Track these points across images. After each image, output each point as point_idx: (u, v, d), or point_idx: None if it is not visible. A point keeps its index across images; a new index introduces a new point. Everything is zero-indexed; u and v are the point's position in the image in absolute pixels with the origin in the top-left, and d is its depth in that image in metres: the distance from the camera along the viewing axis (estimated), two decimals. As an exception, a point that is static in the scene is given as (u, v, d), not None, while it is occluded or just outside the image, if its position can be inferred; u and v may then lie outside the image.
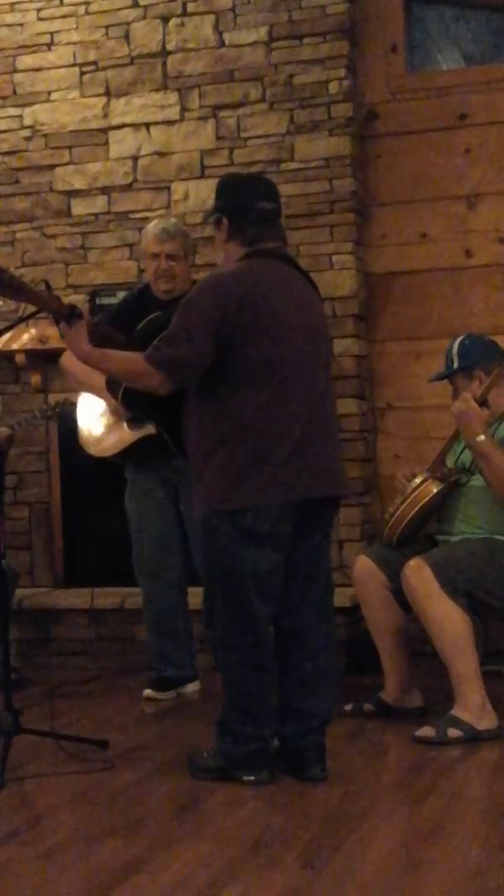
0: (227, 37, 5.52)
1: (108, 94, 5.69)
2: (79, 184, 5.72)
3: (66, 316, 3.52)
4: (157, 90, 5.63)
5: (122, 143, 5.67)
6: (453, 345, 4.21)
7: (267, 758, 3.47)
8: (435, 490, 4.11)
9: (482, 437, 3.95)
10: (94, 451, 4.72)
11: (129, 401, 3.82)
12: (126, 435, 4.56)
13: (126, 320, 4.16)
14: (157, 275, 4.53)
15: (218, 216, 3.61)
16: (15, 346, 5.52)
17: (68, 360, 4.35)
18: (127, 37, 5.66)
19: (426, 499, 4.10)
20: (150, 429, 4.39)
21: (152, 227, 4.60)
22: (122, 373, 3.56)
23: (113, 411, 4.54)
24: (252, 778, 3.43)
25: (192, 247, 4.68)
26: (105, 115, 5.69)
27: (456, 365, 4.17)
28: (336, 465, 3.59)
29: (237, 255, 3.55)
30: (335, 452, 3.61)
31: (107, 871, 2.79)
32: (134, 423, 4.50)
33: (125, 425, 4.55)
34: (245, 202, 3.57)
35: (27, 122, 5.80)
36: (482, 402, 4.01)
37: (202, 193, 5.46)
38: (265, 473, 3.38)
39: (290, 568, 3.50)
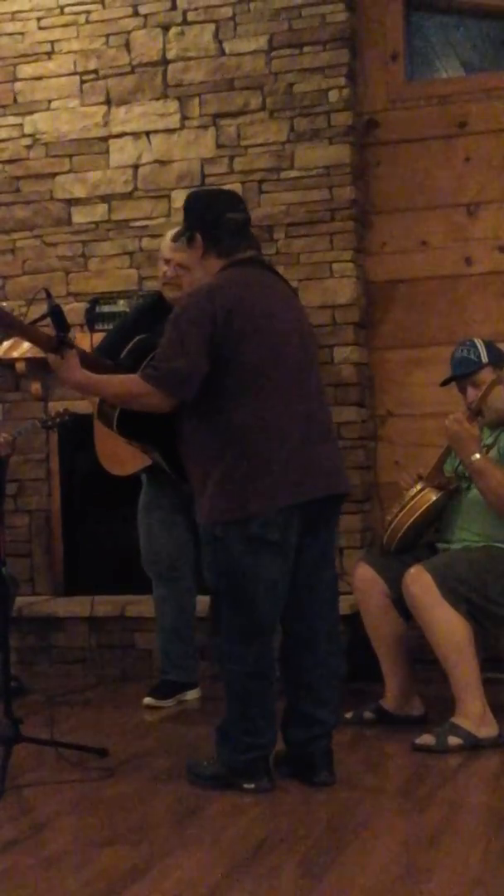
0: (227, 45, 5.53)
1: (108, 102, 5.70)
2: (79, 192, 5.73)
3: (55, 347, 3.49)
4: (157, 99, 5.63)
5: (122, 152, 5.67)
6: (474, 342, 4.17)
7: (267, 765, 3.47)
8: (433, 498, 4.11)
9: (477, 455, 3.96)
10: (115, 470, 4.69)
11: (125, 428, 3.76)
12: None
13: (144, 328, 4.15)
14: (164, 280, 4.56)
15: (191, 233, 3.60)
16: (15, 354, 5.52)
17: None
18: (127, 45, 5.66)
19: (424, 507, 4.10)
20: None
21: (171, 233, 4.58)
22: (122, 396, 3.53)
23: None
24: (252, 786, 3.43)
25: None
26: (105, 124, 5.70)
27: (486, 359, 4.13)
28: (336, 462, 3.59)
29: (215, 269, 3.55)
30: (334, 450, 3.62)
31: (107, 879, 2.79)
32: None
33: None
34: (215, 215, 3.57)
35: (28, 130, 5.80)
36: (477, 412, 4.01)
37: (202, 202, 5.46)
38: (269, 479, 3.38)
39: (298, 571, 3.49)
